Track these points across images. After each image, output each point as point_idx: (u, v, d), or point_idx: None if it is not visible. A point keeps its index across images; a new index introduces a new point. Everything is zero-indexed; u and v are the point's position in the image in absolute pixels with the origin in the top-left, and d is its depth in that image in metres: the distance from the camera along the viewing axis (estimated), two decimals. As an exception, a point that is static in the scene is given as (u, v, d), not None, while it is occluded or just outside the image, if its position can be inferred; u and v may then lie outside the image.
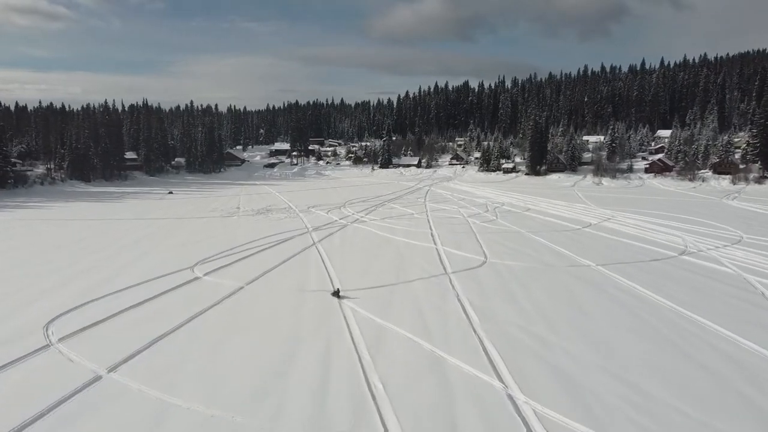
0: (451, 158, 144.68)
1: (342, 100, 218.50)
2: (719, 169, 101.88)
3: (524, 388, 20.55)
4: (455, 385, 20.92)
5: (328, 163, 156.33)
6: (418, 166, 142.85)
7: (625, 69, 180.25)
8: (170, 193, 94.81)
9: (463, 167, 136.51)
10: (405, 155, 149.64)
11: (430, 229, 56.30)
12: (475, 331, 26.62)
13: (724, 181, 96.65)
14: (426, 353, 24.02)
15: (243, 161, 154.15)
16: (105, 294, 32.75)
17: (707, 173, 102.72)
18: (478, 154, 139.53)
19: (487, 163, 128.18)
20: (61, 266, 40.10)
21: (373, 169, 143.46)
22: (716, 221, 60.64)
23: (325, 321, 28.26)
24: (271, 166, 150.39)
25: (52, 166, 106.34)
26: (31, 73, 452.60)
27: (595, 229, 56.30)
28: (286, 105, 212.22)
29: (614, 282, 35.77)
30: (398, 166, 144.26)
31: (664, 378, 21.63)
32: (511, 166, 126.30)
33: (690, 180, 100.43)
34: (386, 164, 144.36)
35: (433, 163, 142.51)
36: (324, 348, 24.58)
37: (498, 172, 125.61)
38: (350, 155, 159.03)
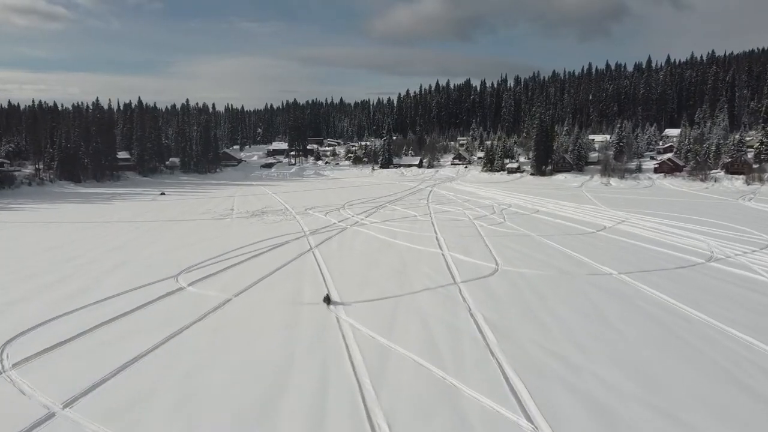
0: (454, 158, 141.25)
1: (341, 99, 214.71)
2: (732, 169, 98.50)
3: (557, 428, 17.22)
4: (473, 423, 17.62)
5: (327, 163, 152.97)
6: (420, 166, 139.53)
7: (630, 67, 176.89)
8: (162, 194, 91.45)
9: (466, 167, 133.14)
10: (406, 155, 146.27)
11: (435, 232, 52.94)
12: (492, 354, 23.26)
13: (738, 182, 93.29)
14: (437, 382, 20.68)
15: (240, 161, 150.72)
16: (76, 308, 29.39)
17: (719, 173, 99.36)
18: (481, 154, 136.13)
19: (491, 163, 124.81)
20: (33, 274, 36.75)
21: (373, 169, 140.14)
22: (737, 224, 57.30)
23: (321, 341, 24.89)
24: (269, 166, 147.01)
25: (41, 166, 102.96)
26: (30, 74, 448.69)
27: (611, 233, 52.94)
28: (284, 104, 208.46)
29: (640, 293, 32.42)
30: (399, 166, 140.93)
31: (718, 413, 18.35)
32: (515, 166, 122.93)
33: (702, 180, 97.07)
34: (387, 164, 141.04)
35: (435, 163, 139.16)
36: (319, 376, 21.23)
37: (502, 172, 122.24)
38: (350, 155, 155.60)
